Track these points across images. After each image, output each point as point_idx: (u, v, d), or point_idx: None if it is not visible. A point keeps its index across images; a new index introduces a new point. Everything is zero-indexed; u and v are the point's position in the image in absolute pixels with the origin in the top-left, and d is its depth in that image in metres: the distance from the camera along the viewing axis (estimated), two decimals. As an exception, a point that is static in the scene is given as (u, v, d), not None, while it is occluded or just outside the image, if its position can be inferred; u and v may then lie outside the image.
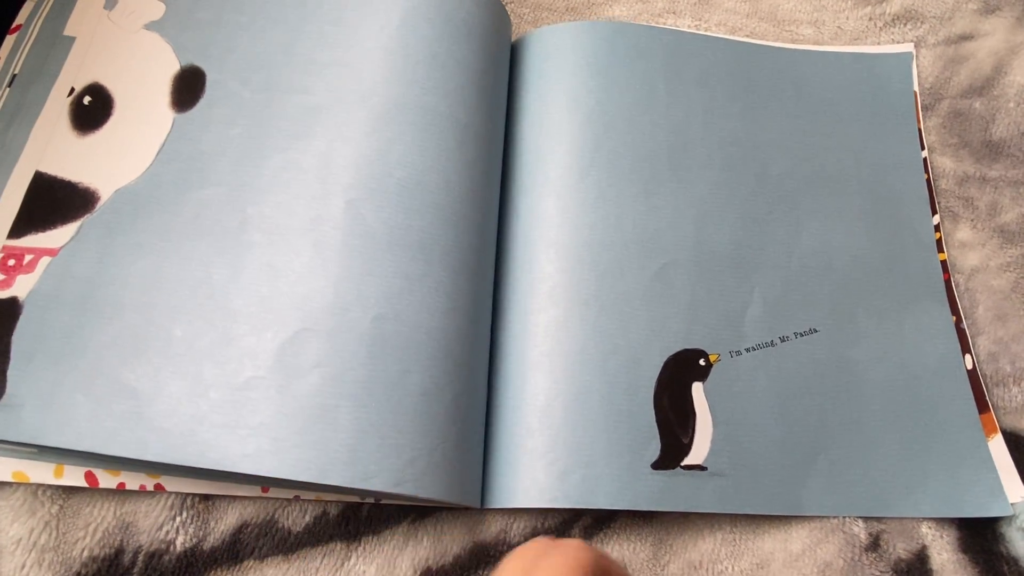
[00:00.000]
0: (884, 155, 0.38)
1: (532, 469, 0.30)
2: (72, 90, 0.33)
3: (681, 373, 0.32)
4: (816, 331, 0.34)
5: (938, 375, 0.34)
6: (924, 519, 0.31)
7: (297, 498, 0.30)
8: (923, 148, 0.38)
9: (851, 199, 0.37)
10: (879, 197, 0.37)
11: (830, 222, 0.36)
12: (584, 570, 0.21)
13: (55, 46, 0.34)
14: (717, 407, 0.32)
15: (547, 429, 0.30)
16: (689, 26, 0.41)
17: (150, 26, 0.35)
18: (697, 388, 0.32)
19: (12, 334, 0.28)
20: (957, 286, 0.36)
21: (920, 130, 0.39)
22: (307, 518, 0.30)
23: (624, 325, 0.32)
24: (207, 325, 0.29)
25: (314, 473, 0.26)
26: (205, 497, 0.30)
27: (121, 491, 0.29)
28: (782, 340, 0.33)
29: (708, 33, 0.41)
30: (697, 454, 0.31)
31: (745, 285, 0.34)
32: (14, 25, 0.36)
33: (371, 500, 0.30)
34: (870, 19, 0.42)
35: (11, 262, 0.30)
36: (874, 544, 0.31)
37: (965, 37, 0.41)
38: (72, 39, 0.34)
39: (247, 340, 0.29)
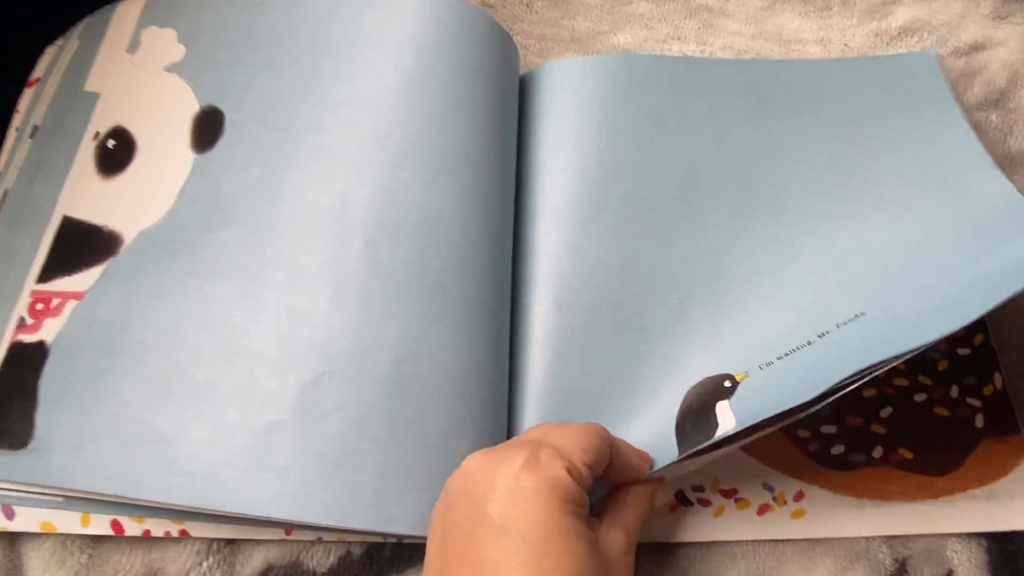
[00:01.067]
0: (937, 143, 0.37)
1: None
2: (97, 134, 0.34)
3: (703, 399, 0.32)
4: (863, 314, 0.33)
5: None
6: (949, 536, 0.31)
7: (320, 540, 0.30)
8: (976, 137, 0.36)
9: (900, 191, 0.36)
10: (940, 182, 0.36)
11: (871, 218, 0.35)
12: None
13: (77, 99, 0.35)
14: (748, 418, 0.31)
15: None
16: (694, 51, 0.42)
17: (171, 68, 0.35)
18: (722, 407, 0.32)
19: (40, 378, 0.29)
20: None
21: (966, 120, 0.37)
22: (331, 559, 0.30)
23: (643, 361, 0.32)
24: (229, 368, 0.29)
25: (338, 517, 0.27)
26: (230, 541, 0.30)
27: (147, 538, 0.29)
28: (820, 336, 0.33)
29: (715, 56, 0.41)
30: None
31: (770, 303, 0.34)
32: (32, 78, 0.37)
33: (393, 539, 0.30)
34: (876, 34, 0.42)
35: (39, 306, 0.30)
36: (900, 570, 0.30)
37: (976, 47, 0.41)
38: (96, 95, 0.35)
39: (269, 383, 0.29)
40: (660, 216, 0.35)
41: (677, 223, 0.35)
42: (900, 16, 0.42)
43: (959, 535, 0.31)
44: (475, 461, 0.24)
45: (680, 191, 0.36)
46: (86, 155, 0.34)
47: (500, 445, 0.26)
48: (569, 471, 0.23)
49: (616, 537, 0.26)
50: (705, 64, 0.39)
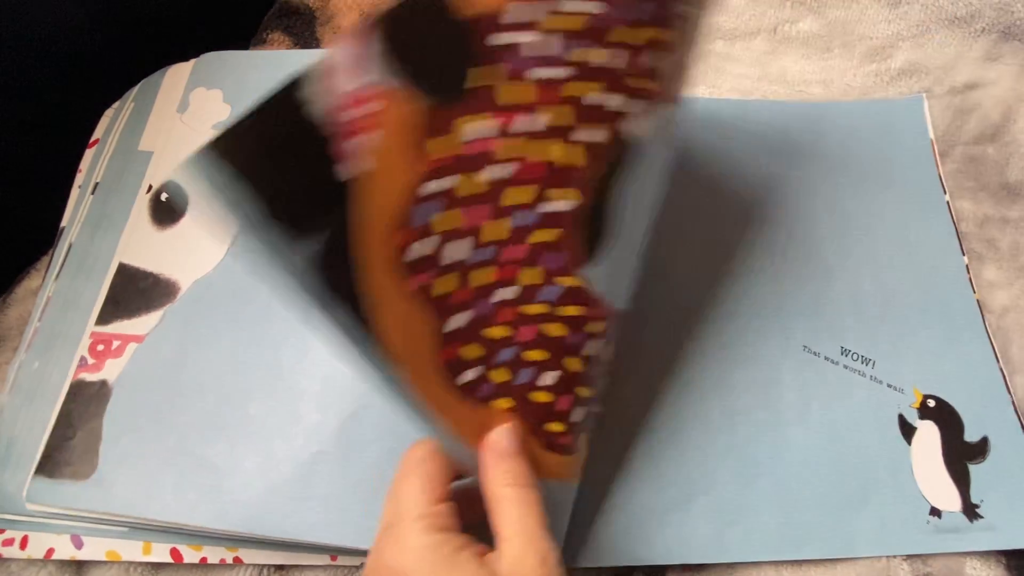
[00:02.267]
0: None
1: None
2: (150, 187, 0.37)
3: None
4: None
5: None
6: (968, 555, 0.32)
7: (363, 565, 0.32)
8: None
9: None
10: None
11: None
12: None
13: (132, 157, 0.38)
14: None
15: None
16: (703, 93, 0.44)
17: (216, 126, 0.38)
18: None
19: (103, 415, 0.32)
20: (989, 325, 0.37)
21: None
22: (374, 583, 0.32)
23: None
24: (277, 404, 0.32)
25: None
26: (280, 567, 0.31)
27: (204, 565, 0.31)
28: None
29: (722, 97, 0.43)
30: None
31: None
32: (92, 139, 0.40)
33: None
34: (876, 75, 0.44)
35: (100, 347, 0.33)
36: (922, 587, 0.31)
37: (970, 86, 0.43)
38: (150, 153, 0.38)
39: (312, 417, 0.32)
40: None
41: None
42: (898, 59, 0.44)
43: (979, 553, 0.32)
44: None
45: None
46: (141, 208, 0.36)
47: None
48: (427, 527, 0.23)
49: (518, 550, 0.23)
50: (711, 104, 0.41)
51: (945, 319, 0.37)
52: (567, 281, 0.27)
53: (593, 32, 0.24)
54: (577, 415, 0.29)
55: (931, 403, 0.35)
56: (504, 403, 0.27)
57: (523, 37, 0.23)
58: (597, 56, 0.25)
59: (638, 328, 0.35)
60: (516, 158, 0.24)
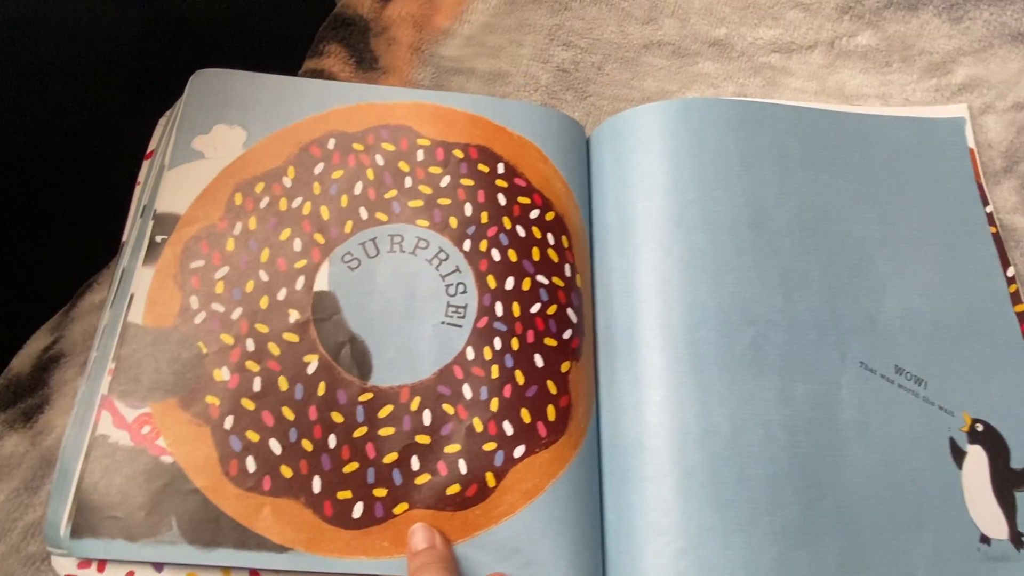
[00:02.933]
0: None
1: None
2: None
3: None
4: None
5: None
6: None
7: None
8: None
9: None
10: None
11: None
12: None
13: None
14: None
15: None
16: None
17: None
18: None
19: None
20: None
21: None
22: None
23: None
24: None
25: None
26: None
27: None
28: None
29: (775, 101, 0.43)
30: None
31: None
32: (148, 151, 0.40)
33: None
34: (936, 90, 0.43)
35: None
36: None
37: (1033, 103, 0.43)
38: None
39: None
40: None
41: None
42: (959, 74, 0.44)
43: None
44: None
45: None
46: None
47: None
48: None
49: None
50: (764, 108, 0.40)
51: (990, 342, 0.37)
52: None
53: None
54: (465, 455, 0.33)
55: (979, 427, 0.35)
56: (402, 507, 0.32)
57: None
58: None
59: (694, 335, 0.35)
60: None
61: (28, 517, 0.33)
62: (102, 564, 0.31)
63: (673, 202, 0.37)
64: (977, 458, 0.34)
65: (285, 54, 0.44)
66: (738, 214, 0.37)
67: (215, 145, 0.38)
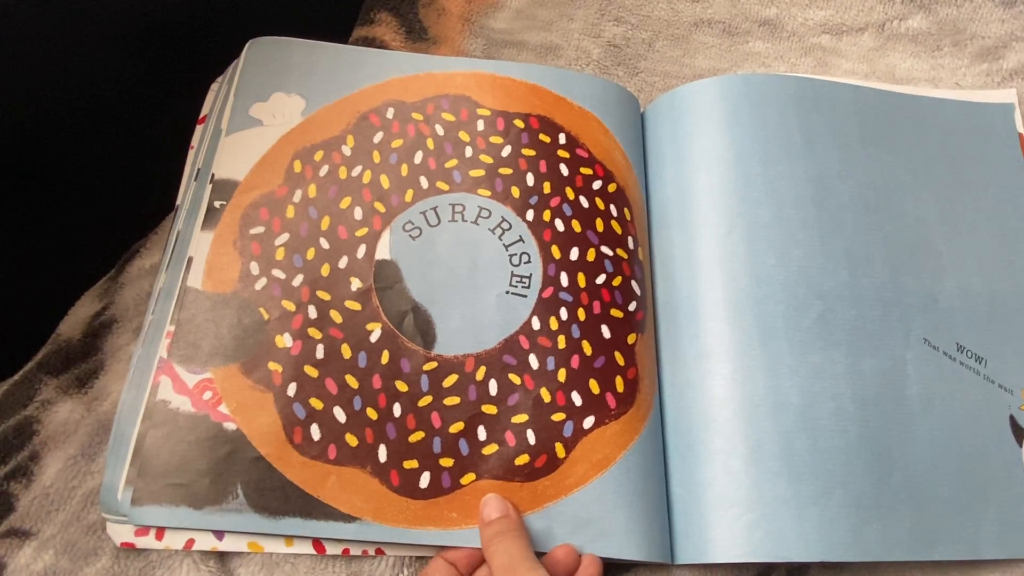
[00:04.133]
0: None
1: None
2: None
3: None
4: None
5: None
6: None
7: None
8: None
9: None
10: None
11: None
12: None
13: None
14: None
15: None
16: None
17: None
18: None
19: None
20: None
21: None
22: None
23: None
24: None
25: None
26: (421, 558, 0.31)
27: (346, 556, 0.31)
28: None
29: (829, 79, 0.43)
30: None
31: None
32: (201, 115, 0.39)
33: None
34: (987, 75, 0.44)
35: None
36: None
37: (1081, 88, 0.43)
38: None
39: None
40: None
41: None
42: (1011, 59, 0.44)
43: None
44: None
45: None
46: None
47: None
48: None
49: None
50: (823, 85, 0.40)
51: None
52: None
53: None
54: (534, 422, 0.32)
55: None
56: (469, 477, 0.31)
57: None
58: None
59: (761, 308, 0.34)
60: None
61: (88, 484, 0.31)
62: (160, 532, 0.30)
63: (736, 176, 0.37)
64: (1036, 436, 0.35)
65: (335, 21, 0.43)
66: (802, 189, 0.37)
67: (273, 112, 0.37)
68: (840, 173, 0.38)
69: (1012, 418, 0.35)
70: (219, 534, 0.30)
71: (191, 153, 0.38)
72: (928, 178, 0.39)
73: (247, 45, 0.39)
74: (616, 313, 0.34)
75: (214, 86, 0.39)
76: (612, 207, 0.37)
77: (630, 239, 0.36)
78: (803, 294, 0.35)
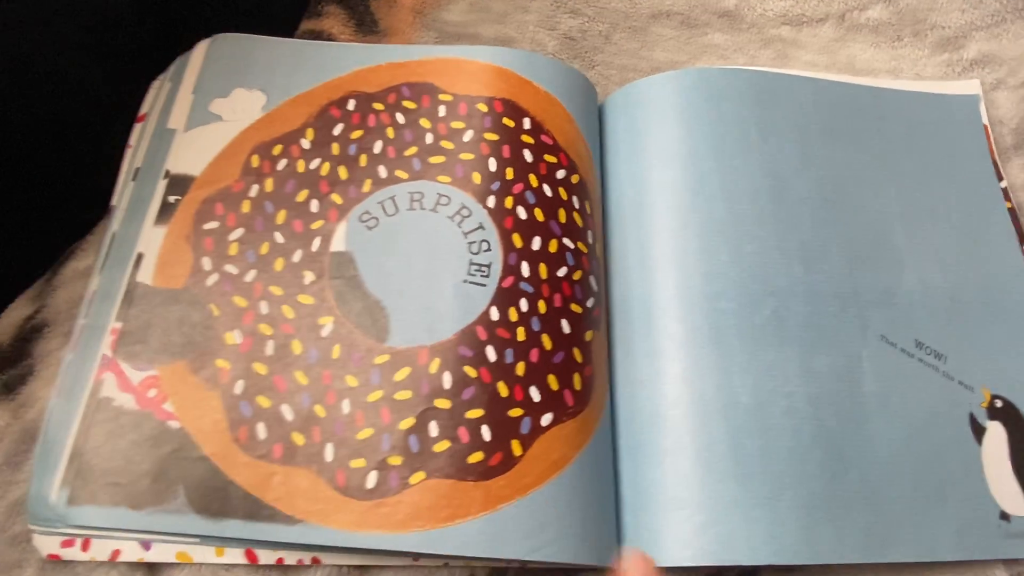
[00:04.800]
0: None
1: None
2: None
3: None
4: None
5: None
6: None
7: (447, 564, 0.31)
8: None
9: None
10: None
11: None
12: None
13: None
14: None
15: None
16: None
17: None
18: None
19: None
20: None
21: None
22: (456, 584, 0.31)
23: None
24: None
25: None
26: (360, 567, 0.30)
27: (280, 566, 0.30)
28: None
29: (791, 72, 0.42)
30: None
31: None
32: (141, 114, 0.38)
33: (516, 564, 0.31)
34: (948, 65, 0.43)
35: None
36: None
37: (1044, 79, 0.42)
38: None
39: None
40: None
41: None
42: (971, 49, 0.43)
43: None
44: None
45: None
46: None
47: None
48: None
49: None
50: (781, 79, 0.39)
51: (1008, 318, 0.36)
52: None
53: None
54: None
55: (999, 403, 0.35)
56: (418, 476, 0.30)
57: None
58: None
59: (713, 305, 0.34)
60: None
61: (12, 495, 0.30)
62: (87, 542, 0.29)
63: (691, 171, 0.36)
64: (996, 434, 0.34)
65: (281, 15, 0.42)
66: (758, 184, 0.36)
67: (233, 108, 0.37)
68: (797, 167, 0.37)
69: (972, 416, 0.34)
70: (146, 544, 0.29)
71: (128, 152, 0.37)
72: (889, 171, 0.39)
73: (209, 41, 0.38)
74: (576, 308, 0.33)
75: (156, 83, 0.38)
76: (575, 199, 0.36)
77: (589, 233, 0.35)
78: (756, 290, 0.34)
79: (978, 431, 0.34)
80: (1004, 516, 0.32)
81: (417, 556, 0.30)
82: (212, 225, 0.34)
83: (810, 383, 0.33)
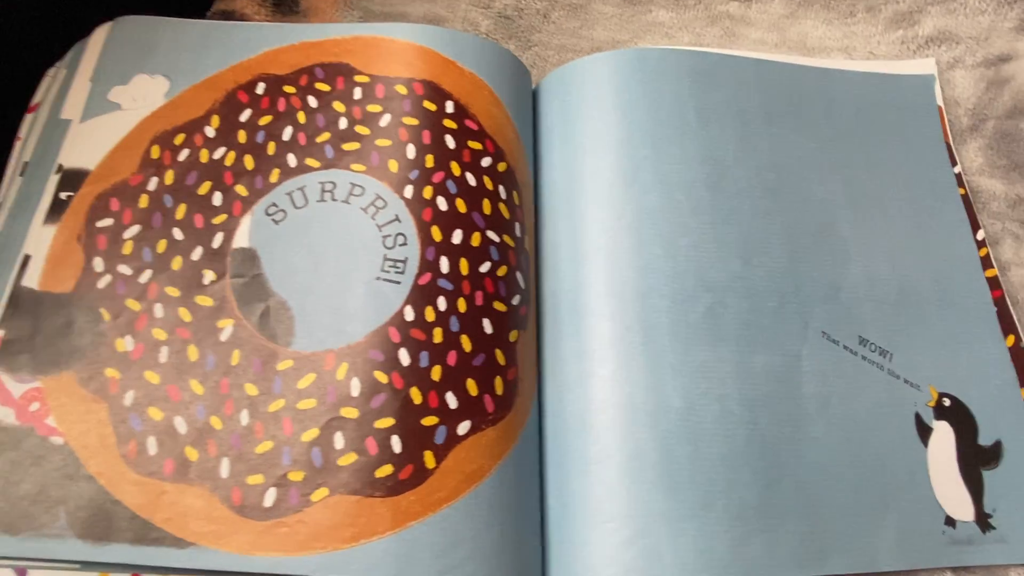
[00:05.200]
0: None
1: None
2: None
3: None
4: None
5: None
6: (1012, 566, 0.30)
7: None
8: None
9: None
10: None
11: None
12: None
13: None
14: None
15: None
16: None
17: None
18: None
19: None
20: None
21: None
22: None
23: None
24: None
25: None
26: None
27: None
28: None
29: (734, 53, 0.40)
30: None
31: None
32: (33, 103, 0.35)
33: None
34: (902, 43, 0.41)
35: None
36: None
37: (1003, 58, 0.40)
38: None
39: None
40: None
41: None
42: (927, 25, 0.41)
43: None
44: None
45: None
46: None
47: None
48: None
49: None
50: (723, 60, 0.37)
51: (960, 310, 0.35)
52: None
53: None
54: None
55: (947, 402, 0.33)
56: (321, 493, 0.27)
57: None
58: None
59: (645, 302, 0.32)
60: None
61: None
62: None
63: (624, 159, 0.34)
64: (943, 435, 0.32)
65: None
66: (695, 173, 0.34)
67: (134, 96, 0.34)
68: (738, 154, 0.35)
69: (918, 416, 0.32)
70: (21, 572, 0.27)
71: (17, 145, 0.34)
72: (837, 157, 0.37)
73: (110, 24, 0.36)
74: (499, 306, 0.31)
75: (51, 71, 0.36)
76: (501, 188, 0.33)
77: (517, 226, 0.33)
78: (691, 286, 0.32)
79: (924, 432, 0.32)
80: (949, 522, 0.31)
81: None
82: (106, 222, 0.32)
83: (745, 384, 0.31)
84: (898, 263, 0.35)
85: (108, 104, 0.34)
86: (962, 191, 0.37)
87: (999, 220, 0.37)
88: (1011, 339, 0.34)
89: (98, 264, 0.31)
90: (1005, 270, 0.36)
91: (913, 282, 0.35)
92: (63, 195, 0.32)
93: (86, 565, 0.27)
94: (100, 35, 0.36)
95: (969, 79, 0.40)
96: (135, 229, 0.31)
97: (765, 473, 0.30)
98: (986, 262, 0.36)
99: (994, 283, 0.35)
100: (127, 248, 0.31)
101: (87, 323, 0.30)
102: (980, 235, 0.36)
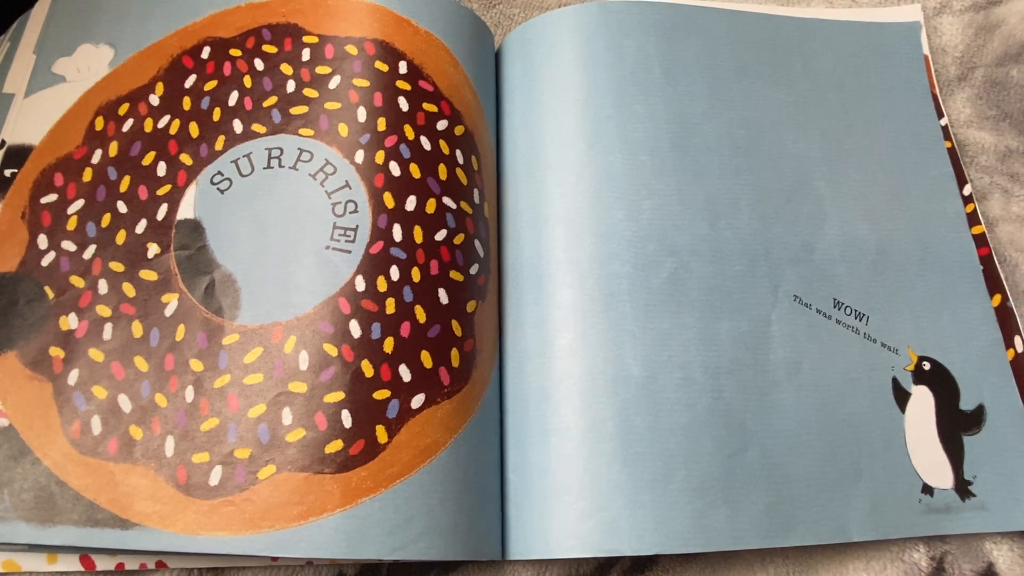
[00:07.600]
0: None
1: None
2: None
3: None
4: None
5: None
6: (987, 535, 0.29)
7: (311, 563, 0.28)
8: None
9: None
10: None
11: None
12: None
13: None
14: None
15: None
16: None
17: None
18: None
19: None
20: (1017, 265, 0.33)
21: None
22: (321, 582, 0.28)
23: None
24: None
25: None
26: (213, 569, 0.28)
27: (120, 572, 0.27)
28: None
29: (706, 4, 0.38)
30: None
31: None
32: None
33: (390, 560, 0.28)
34: (888, -12, 0.39)
35: None
36: (938, 569, 0.28)
37: (993, 2, 0.38)
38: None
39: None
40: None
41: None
42: (913, -32, 0.39)
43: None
44: None
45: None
46: None
47: None
48: None
49: None
50: (693, 11, 0.36)
51: (943, 272, 0.33)
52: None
53: None
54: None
55: (926, 366, 0.31)
56: (268, 471, 0.27)
57: None
58: None
59: (606, 269, 0.30)
60: None
61: None
62: None
63: (587, 119, 0.33)
64: (922, 400, 0.31)
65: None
66: (660, 131, 0.33)
67: (78, 67, 0.33)
68: (707, 111, 0.33)
69: (895, 380, 0.31)
70: (-33, 555, 0.27)
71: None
72: (814, 112, 0.35)
73: None
74: (456, 275, 0.30)
75: (-8, 44, 0.35)
76: (458, 153, 0.32)
77: (476, 192, 0.32)
78: (653, 251, 0.31)
79: (902, 397, 0.31)
80: (927, 490, 0.30)
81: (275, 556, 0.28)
82: (50, 198, 0.31)
83: (710, 352, 0.30)
84: (877, 222, 0.33)
85: (52, 77, 0.33)
86: (948, 144, 0.35)
87: (987, 174, 0.35)
88: (997, 298, 0.33)
89: (42, 241, 0.30)
90: (993, 226, 0.34)
91: (893, 241, 0.33)
92: (7, 172, 0.31)
93: (32, 547, 0.27)
94: (44, 5, 0.35)
95: (957, 25, 0.37)
96: (79, 204, 0.31)
97: (728, 443, 0.29)
98: (972, 218, 0.34)
99: (980, 240, 0.34)
100: (71, 224, 0.30)
101: (31, 302, 0.29)
102: (967, 190, 0.34)
